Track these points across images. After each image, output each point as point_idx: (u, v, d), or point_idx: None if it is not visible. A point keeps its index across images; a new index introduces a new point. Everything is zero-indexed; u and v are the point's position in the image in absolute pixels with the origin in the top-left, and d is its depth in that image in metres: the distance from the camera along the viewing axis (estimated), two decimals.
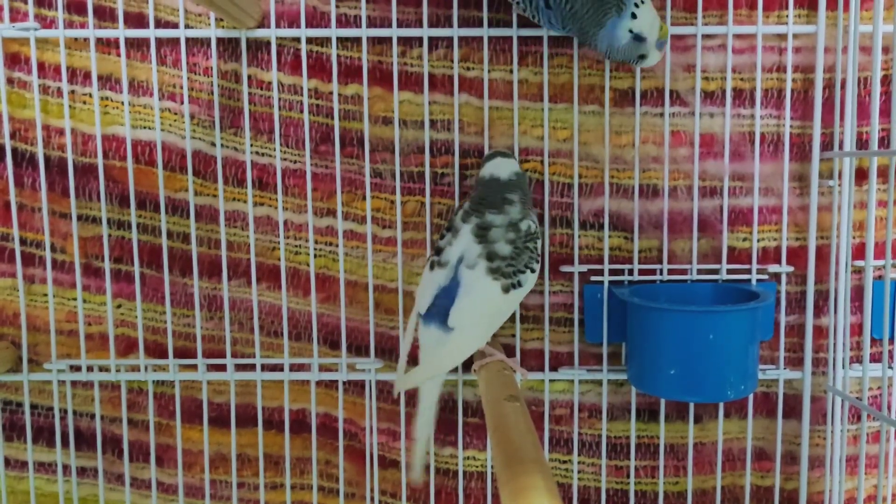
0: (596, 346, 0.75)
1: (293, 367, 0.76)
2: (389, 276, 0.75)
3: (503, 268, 0.61)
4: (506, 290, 0.61)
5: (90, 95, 0.74)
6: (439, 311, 0.61)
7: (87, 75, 0.74)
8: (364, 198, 0.74)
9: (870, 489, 0.75)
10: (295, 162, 0.74)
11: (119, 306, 0.76)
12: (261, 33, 0.72)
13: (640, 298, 0.67)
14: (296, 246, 0.75)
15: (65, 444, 0.77)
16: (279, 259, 0.75)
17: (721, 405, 0.75)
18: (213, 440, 0.77)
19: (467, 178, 0.74)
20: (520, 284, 0.62)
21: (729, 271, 0.74)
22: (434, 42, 0.73)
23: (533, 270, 0.63)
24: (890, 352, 0.70)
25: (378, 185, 0.74)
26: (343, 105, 0.74)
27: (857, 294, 0.74)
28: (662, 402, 0.75)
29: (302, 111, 0.74)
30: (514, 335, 0.75)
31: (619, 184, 0.74)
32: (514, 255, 0.62)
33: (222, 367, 0.76)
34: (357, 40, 0.73)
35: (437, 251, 0.63)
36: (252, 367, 0.76)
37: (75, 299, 0.75)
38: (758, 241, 0.74)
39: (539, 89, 0.73)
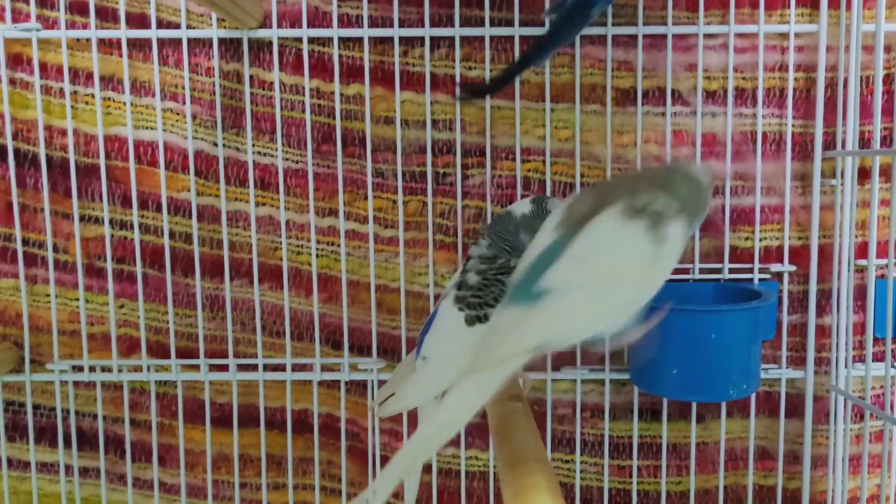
0: (598, 346, 0.75)
1: (295, 368, 0.76)
2: (391, 275, 0.75)
3: (468, 297, 0.55)
4: (469, 322, 0.55)
5: (92, 96, 0.74)
6: (420, 338, 0.58)
7: (89, 76, 0.74)
8: (366, 198, 0.74)
9: (872, 488, 0.75)
10: (297, 162, 0.74)
11: (121, 306, 0.76)
12: (263, 33, 0.72)
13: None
14: (298, 246, 0.75)
15: (67, 444, 0.77)
16: (281, 259, 0.75)
17: (723, 404, 0.75)
18: (216, 440, 0.77)
19: (469, 178, 0.74)
20: (485, 318, 0.54)
21: (731, 270, 0.74)
22: (436, 42, 0.73)
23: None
24: (893, 351, 0.70)
25: (380, 185, 0.74)
26: (345, 105, 0.74)
27: (860, 293, 0.74)
28: (665, 401, 0.75)
29: (304, 111, 0.74)
30: None
31: None
32: (482, 285, 0.55)
33: (224, 368, 0.76)
34: (359, 40, 0.73)
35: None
36: (254, 368, 0.76)
37: (77, 300, 0.75)
38: (760, 240, 0.74)
39: (541, 89, 0.73)
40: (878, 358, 0.74)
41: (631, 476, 0.76)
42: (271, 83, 0.74)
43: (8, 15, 0.74)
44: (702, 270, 0.74)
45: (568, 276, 0.44)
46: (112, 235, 0.75)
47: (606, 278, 0.44)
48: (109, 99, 0.74)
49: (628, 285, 0.45)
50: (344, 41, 0.73)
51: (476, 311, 0.55)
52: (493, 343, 0.45)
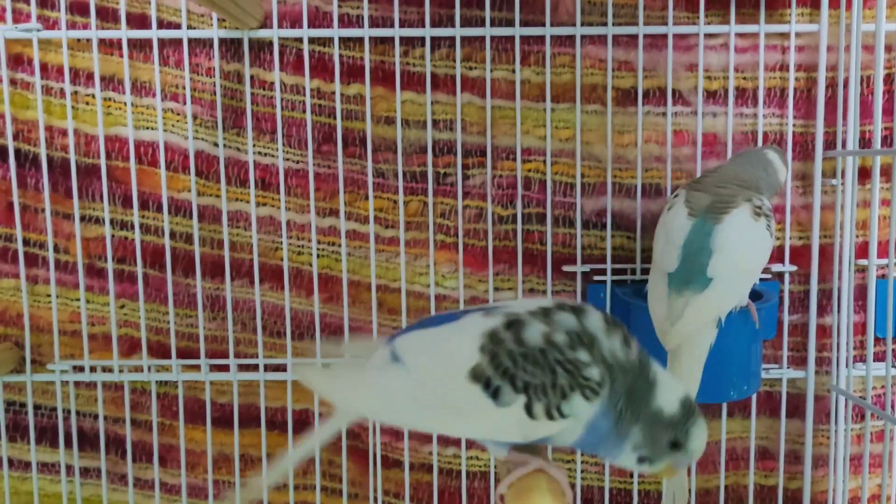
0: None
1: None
2: (392, 275, 0.75)
3: (503, 350, 0.37)
4: (476, 376, 0.38)
5: (93, 96, 0.74)
6: (416, 326, 0.44)
7: (90, 76, 0.74)
8: (366, 198, 0.74)
9: (873, 488, 0.75)
10: (297, 162, 0.74)
11: (122, 307, 0.76)
12: (263, 33, 0.72)
13: (642, 299, 0.66)
14: (298, 246, 0.75)
15: (68, 444, 0.77)
16: (282, 259, 0.75)
17: (724, 404, 0.75)
18: (216, 440, 0.77)
19: (469, 178, 0.74)
20: (495, 394, 0.37)
21: None
22: (436, 42, 0.73)
23: (530, 412, 0.37)
24: (893, 350, 0.70)
25: (380, 185, 0.74)
26: (345, 105, 0.74)
27: (861, 293, 0.74)
28: None
29: (304, 111, 0.74)
30: None
31: (622, 183, 0.74)
32: (534, 354, 0.37)
33: (225, 368, 0.76)
34: (359, 40, 0.73)
35: None
36: (255, 368, 0.76)
37: (78, 300, 0.76)
38: None
39: (541, 89, 0.73)
40: (879, 358, 0.74)
41: (631, 476, 0.76)
42: (272, 83, 0.74)
43: (9, 15, 0.74)
44: None
45: (726, 264, 0.55)
46: (113, 236, 0.75)
47: (750, 262, 0.57)
48: (110, 99, 0.74)
49: (758, 268, 0.59)
50: (344, 41, 0.73)
51: (498, 384, 0.37)
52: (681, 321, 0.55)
